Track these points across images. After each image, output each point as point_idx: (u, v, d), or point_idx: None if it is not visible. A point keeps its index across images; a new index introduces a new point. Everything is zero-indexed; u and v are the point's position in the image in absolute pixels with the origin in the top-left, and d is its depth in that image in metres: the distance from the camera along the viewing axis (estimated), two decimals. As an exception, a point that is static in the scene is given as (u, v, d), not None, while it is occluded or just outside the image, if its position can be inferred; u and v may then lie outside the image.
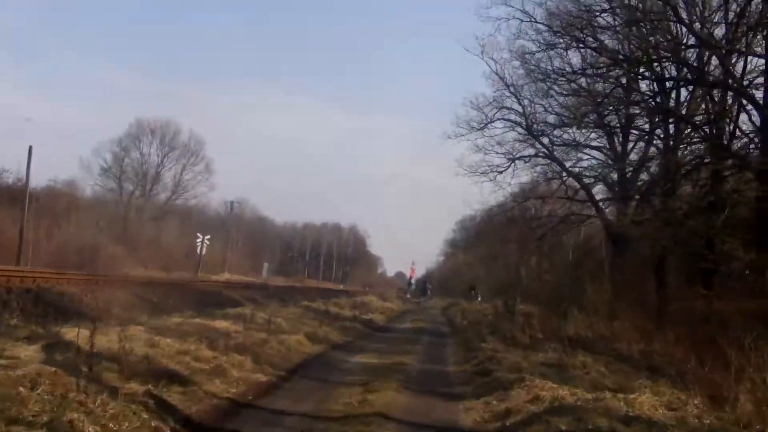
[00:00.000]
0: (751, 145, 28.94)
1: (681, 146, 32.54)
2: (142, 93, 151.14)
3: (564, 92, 35.96)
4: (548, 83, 35.51)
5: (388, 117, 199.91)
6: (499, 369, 17.59)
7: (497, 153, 39.30)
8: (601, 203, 39.85)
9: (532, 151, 39.69)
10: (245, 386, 13.42)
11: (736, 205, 29.34)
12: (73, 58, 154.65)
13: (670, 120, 32.57)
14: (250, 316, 24.63)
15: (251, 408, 11.83)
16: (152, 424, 9.25)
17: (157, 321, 19.48)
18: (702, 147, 30.75)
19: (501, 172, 39.22)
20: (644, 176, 37.02)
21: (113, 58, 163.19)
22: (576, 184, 39.87)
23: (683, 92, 32.39)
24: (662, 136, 34.28)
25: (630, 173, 37.20)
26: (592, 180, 39.78)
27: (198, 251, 67.06)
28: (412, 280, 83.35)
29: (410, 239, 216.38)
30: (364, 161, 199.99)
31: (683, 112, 31.65)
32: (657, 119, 34.71)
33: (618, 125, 37.87)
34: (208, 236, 67.63)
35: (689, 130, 32.33)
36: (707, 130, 29.91)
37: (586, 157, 40.08)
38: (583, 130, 38.29)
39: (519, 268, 77.13)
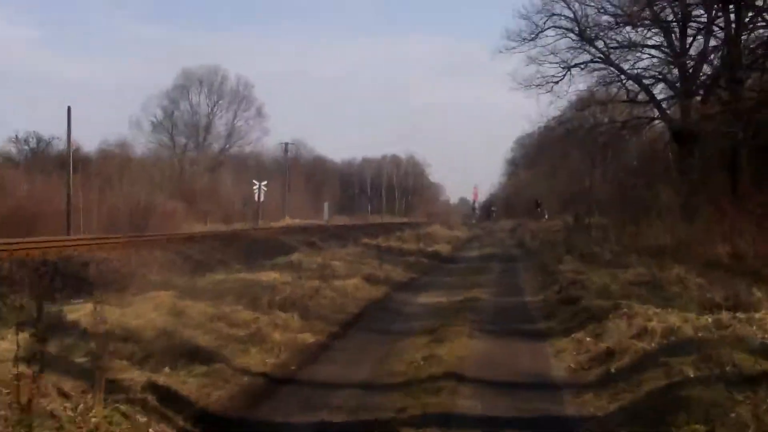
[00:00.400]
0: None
1: (744, 34, 30.76)
2: (183, 47, 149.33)
3: (615, -12, 33.65)
4: (598, -20, 33.42)
5: (432, 38, 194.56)
6: (586, 295, 15.02)
7: (551, 63, 37.50)
8: (663, 103, 37.92)
9: (587, 57, 37.77)
10: (288, 353, 11.04)
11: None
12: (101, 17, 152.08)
13: (731, 8, 30.41)
14: (300, 263, 22.29)
15: (291, 384, 9.39)
16: (150, 430, 6.91)
17: (193, 281, 17.10)
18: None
19: (557, 82, 37.42)
20: (707, 70, 35.61)
21: (145, 13, 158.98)
22: (636, 86, 37.89)
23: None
24: (723, 26, 32.45)
25: (691, 68, 35.27)
26: (652, 81, 37.57)
27: (256, 198, 64.91)
28: (476, 205, 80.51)
29: (471, 163, 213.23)
30: (415, 90, 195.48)
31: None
32: (715, 8, 32.79)
33: (674, 20, 35.91)
34: (265, 182, 65.36)
35: (752, 14, 30.73)
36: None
37: (645, 56, 37.92)
38: (639, 29, 36.87)
39: (583, 179, 74.64)
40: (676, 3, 34.58)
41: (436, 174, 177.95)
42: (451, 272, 25.01)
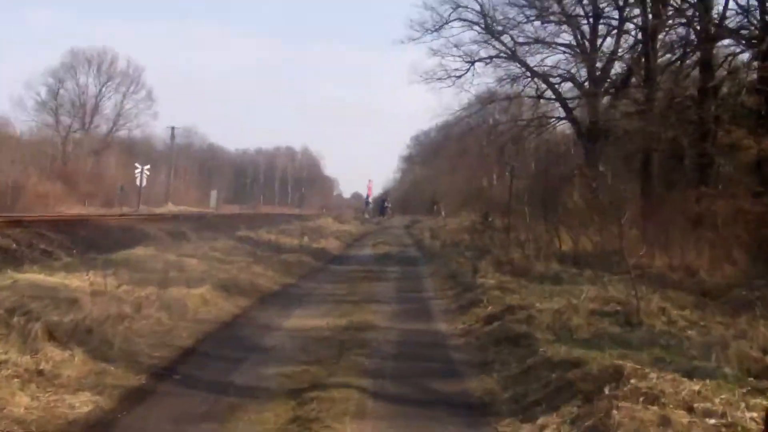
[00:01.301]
0: (745, 21, 25.57)
1: (662, 32, 28.57)
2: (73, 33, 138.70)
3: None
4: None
5: (334, 39, 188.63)
6: (536, 331, 9.68)
7: (455, 56, 35.85)
8: (570, 102, 36.21)
9: (492, 52, 35.97)
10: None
11: (737, 90, 26.23)
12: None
13: (648, 6, 28.31)
14: (142, 260, 16.48)
15: None
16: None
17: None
18: (684, 31, 27.74)
19: (460, 77, 35.83)
20: (617, 69, 34.31)
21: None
22: (542, 84, 36.17)
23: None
24: (638, 24, 30.61)
25: (601, 68, 33.70)
26: (559, 79, 35.97)
27: (138, 183, 58.68)
28: (370, 199, 74.92)
29: (365, 159, 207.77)
30: (312, 84, 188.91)
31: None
32: (627, 4, 31.83)
33: (585, 17, 34.46)
34: (148, 166, 59.14)
35: (671, 12, 28.33)
36: (690, 13, 26.80)
37: (553, 54, 36.27)
38: (547, 25, 35.11)
39: (482, 178, 70.87)
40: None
41: (331, 168, 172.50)
42: (338, 278, 19.37)
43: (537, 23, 34.72)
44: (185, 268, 15.99)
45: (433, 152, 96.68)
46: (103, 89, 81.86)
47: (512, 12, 34.52)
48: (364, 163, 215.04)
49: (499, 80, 36.62)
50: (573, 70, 35.58)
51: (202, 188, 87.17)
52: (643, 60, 28.78)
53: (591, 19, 33.88)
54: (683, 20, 27.78)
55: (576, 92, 36.12)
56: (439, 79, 36.05)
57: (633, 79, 31.53)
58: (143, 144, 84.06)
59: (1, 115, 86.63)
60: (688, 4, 27.89)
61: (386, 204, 74.28)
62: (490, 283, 14.68)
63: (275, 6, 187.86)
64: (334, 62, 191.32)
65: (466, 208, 57.00)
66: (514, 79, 36.51)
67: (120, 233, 25.12)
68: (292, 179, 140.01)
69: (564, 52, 35.72)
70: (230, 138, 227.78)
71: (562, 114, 36.96)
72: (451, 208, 61.71)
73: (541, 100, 37.05)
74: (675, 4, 28.50)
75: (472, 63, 35.88)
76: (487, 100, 38.84)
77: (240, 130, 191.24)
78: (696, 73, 26.87)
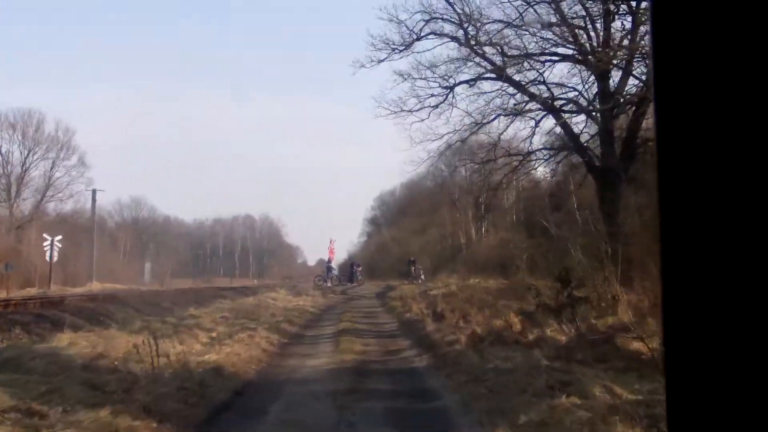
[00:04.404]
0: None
1: None
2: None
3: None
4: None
5: (281, 99, 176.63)
6: None
7: (430, 79, 26.48)
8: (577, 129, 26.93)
9: (476, 71, 26.71)
10: None
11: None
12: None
13: None
14: None
15: None
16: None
17: None
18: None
19: (436, 106, 26.32)
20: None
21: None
22: (539, 108, 26.70)
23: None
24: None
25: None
26: (563, 101, 26.88)
27: (47, 258, 45.44)
28: (332, 264, 61.86)
29: (328, 226, 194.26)
30: (269, 150, 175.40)
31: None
32: None
33: (587, 17, 25.25)
34: (59, 237, 46.13)
35: None
36: None
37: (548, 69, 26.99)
38: (540, 35, 25.92)
39: (459, 235, 61.16)
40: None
41: (293, 236, 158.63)
42: None
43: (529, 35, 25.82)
44: None
45: (400, 211, 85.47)
46: (30, 156, 68.05)
47: (496, 17, 25.46)
48: (327, 230, 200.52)
49: (487, 107, 26.65)
50: (579, 87, 26.54)
51: (142, 263, 73.32)
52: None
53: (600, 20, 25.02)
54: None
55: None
56: (410, 111, 26.26)
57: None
58: (77, 216, 70.23)
59: None
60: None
61: (356, 267, 61.01)
62: None
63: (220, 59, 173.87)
64: (292, 121, 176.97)
65: (444, 269, 45.95)
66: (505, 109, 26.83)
67: None
68: (253, 249, 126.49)
69: (571, 61, 26.45)
70: (186, 209, 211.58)
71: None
72: (426, 270, 49.81)
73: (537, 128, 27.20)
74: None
75: (451, 88, 26.49)
76: (478, 123, 27.31)
77: (194, 200, 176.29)
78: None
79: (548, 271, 21.97)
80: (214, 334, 15.90)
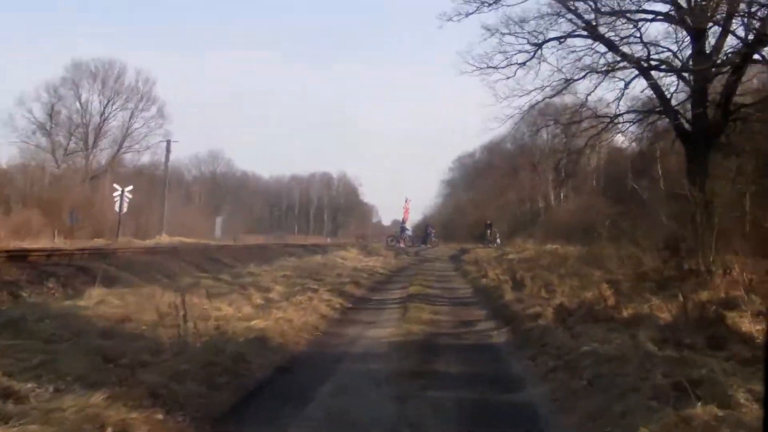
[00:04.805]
0: None
1: None
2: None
3: None
4: None
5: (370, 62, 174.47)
6: None
7: (518, 35, 24.84)
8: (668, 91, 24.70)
9: (566, 28, 24.70)
10: None
11: None
12: None
13: None
14: None
15: None
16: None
17: None
18: None
19: (523, 64, 24.86)
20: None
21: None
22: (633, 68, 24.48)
23: None
24: None
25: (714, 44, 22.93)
26: (655, 61, 24.58)
27: (117, 209, 44.65)
28: (407, 224, 59.42)
29: (405, 185, 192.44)
30: (352, 110, 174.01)
31: None
32: None
33: None
34: (130, 188, 45.07)
35: None
36: None
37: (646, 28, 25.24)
38: None
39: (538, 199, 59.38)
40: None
41: (369, 194, 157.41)
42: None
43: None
44: None
45: (478, 174, 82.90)
46: (108, 106, 67.66)
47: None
48: (404, 190, 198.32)
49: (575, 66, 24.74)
50: (673, 47, 24.71)
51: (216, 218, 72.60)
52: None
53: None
54: None
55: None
56: (496, 67, 24.73)
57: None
58: (153, 169, 69.65)
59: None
60: None
61: (430, 229, 58.91)
62: None
63: (302, 26, 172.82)
64: (372, 83, 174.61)
65: (521, 233, 43.83)
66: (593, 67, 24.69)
67: None
68: (329, 207, 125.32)
69: (666, 19, 24.50)
70: (263, 165, 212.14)
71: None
72: (502, 234, 47.64)
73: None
74: None
75: (540, 46, 24.73)
76: (565, 82, 25.44)
77: (273, 157, 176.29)
78: None
79: (631, 239, 20.01)
80: (270, 295, 14.25)
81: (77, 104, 68.07)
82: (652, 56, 24.69)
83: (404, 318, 13.61)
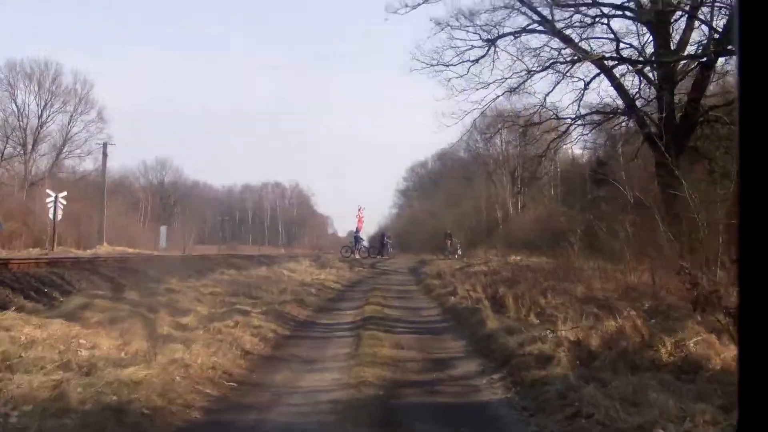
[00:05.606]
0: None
1: None
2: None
3: None
4: None
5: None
6: None
7: (469, 31, 23.67)
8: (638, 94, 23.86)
9: (522, 22, 23.72)
10: None
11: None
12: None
13: None
14: None
15: None
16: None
17: None
18: None
19: (477, 61, 23.81)
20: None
21: None
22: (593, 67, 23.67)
23: None
24: None
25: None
26: (615, 60, 23.56)
27: (51, 215, 41.38)
28: (361, 234, 56.65)
29: (359, 196, 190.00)
30: (300, 119, 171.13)
31: None
32: None
33: None
34: (64, 193, 41.78)
35: None
36: None
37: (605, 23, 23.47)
38: None
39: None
40: None
41: (322, 205, 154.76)
42: None
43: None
44: None
45: (432, 183, 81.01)
46: (46, 110, 64.46)
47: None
48: (359, 201, 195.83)
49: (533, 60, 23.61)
50: (635, 43, 23.54)
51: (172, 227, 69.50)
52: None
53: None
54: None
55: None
56: (447, 65, 23.76)
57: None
58: (96, 175, 66.06)
59: None
60: None
61: (386, 239, 56.15)
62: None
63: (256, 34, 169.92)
64: (326, 91, 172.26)
65: (481, 244, 41.46)
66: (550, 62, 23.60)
67: None
68: (283, 217, 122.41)
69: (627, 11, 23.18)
70: (215, 175, 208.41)
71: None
72: (462, 245, 45.36)
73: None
74: None
75: (493, 42, 23.62)
76: (525, 75, 24.01)
77: (224, 167, 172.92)
78: None
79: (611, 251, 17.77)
80: (185, 320, 11.17)
81: (13, 106, 64.69)
82: (613, 54, 23.44)
83: (356, 355, 9.90)
